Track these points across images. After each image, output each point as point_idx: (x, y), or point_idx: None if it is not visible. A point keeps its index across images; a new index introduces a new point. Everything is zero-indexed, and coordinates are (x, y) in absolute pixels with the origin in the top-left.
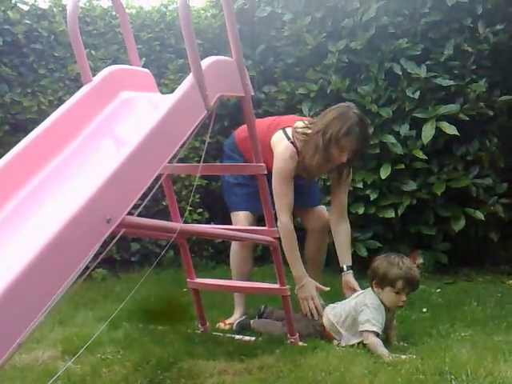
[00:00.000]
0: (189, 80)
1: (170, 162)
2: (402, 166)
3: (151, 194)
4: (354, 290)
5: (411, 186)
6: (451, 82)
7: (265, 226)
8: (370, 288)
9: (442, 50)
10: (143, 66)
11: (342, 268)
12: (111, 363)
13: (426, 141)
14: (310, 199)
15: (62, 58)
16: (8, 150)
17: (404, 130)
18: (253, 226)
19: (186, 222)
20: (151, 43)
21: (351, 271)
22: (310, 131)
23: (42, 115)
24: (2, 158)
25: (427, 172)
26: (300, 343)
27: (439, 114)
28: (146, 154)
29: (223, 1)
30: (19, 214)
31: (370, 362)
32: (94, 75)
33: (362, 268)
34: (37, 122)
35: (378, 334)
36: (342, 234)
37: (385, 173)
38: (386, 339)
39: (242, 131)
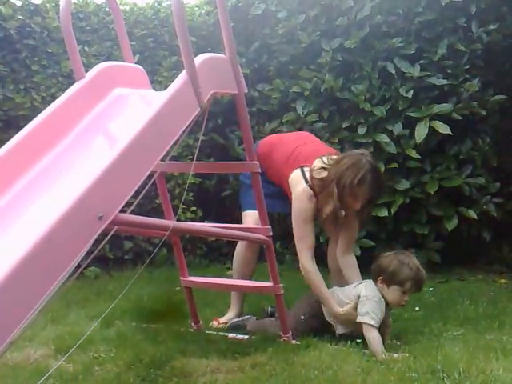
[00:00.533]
0: (182, 77)
1: (163, 159)
2: (395, 165)
3: (144, 191)
4: None
5: (404, 184)
6: (444, 82)
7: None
8: (370, 280)
9: (436, 49)
10: (137, 63)
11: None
12: (104, 362)
13: (419, 140)
14: None
15: (55, 54)
16: (0, 147)
17: (397, 129)
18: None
19: (179, 221)
20: (145, 40)
21: None
22: (325, 174)
23: (35, 112)
24: None
25: (420, 171)
26: (293, 341)
27: (432, 113)
28: (139, 151)
29: None
30: (10, 212)
31: (363, 361)
32: (87, 72)
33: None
34: (29, 119)
35: (376, 329)
36: (352, 266)
37: None
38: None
39: (263, 146)
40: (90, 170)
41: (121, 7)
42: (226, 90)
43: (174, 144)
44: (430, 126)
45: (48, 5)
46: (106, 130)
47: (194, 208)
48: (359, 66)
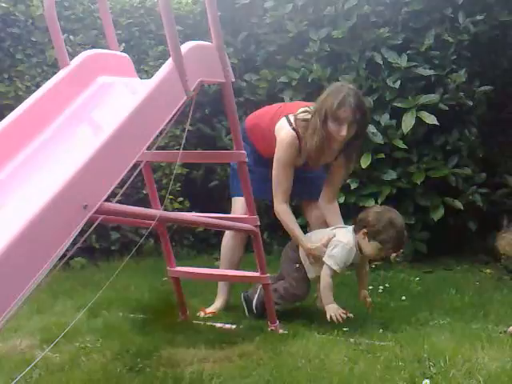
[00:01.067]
0: (168, 65)
1: (149, 149)
2: (382, 156)
3: (130, 181)
4: None
5: (391, 175)
6: (431, 72)
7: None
8: (351, 228)
9: (423, 39)
10: (122, 52)
11: None
12: (90, 352)
13: (406, 130)
14: (315, 191)
15: (39, 43)
16: None
17: (384, 119)
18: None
19: (166, 211)
20: (131, 29)
21: None
22: (309, 117)
23: (19, 101)
24: None
25: (407, 161)
26: (280, 331)
27: (419, 103)
28: (124, 139)
29: None
30: None
31: (350, 350)
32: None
33: None
34: (13, 108)
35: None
36: (335, 214)
37: (365, 162)
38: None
39: (250, 119)
40: (74, 158)
41: None
42: (212, 79)
43: (160, 134)
44: (417, 117)
45: None
46: (91, 118)
47: (182, 198)
48: (347, 56)
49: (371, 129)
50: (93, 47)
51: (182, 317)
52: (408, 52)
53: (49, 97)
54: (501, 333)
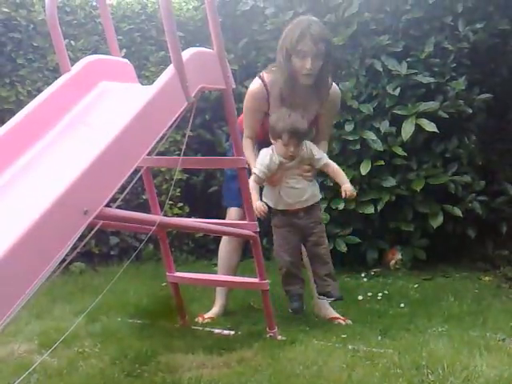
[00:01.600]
0: (169, 71)
1: (149, 154)
2: (382, 163)
3: (130, 186)
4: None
5: (390, 182)
6: (431, 80)
7: None
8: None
9: (423, 47)
10: (123, 58)
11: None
12: (88, 357)
13: (405, 137)
14: None
15: (41, 47)
16: None
17: (384, 126)
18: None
19: (166, 216)
20: (132, 34)
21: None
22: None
23: (20, 106)
24: None
25: (406, 168)
26: (279, 337)
27: (419, 111)
28: (125, 145)
29: None
30: None
31: (348, 356)
32: (73, 66)
33: (342, 264)
34: (15, 113)
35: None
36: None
37: (365, 169)
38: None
39: (240, 120)
40: (74, 164)
41: (108, 1)
42: (213, 85)
43: (161, 139)
44: (417, 124)
45: None
46: (92, 124)
47: (181, 204)
48: (347, 64)
49: (371, 136)
50: (94, 53)
51: (180, 322)
52: (408, 59)
53: (50, 102)
54: (499, 341)
